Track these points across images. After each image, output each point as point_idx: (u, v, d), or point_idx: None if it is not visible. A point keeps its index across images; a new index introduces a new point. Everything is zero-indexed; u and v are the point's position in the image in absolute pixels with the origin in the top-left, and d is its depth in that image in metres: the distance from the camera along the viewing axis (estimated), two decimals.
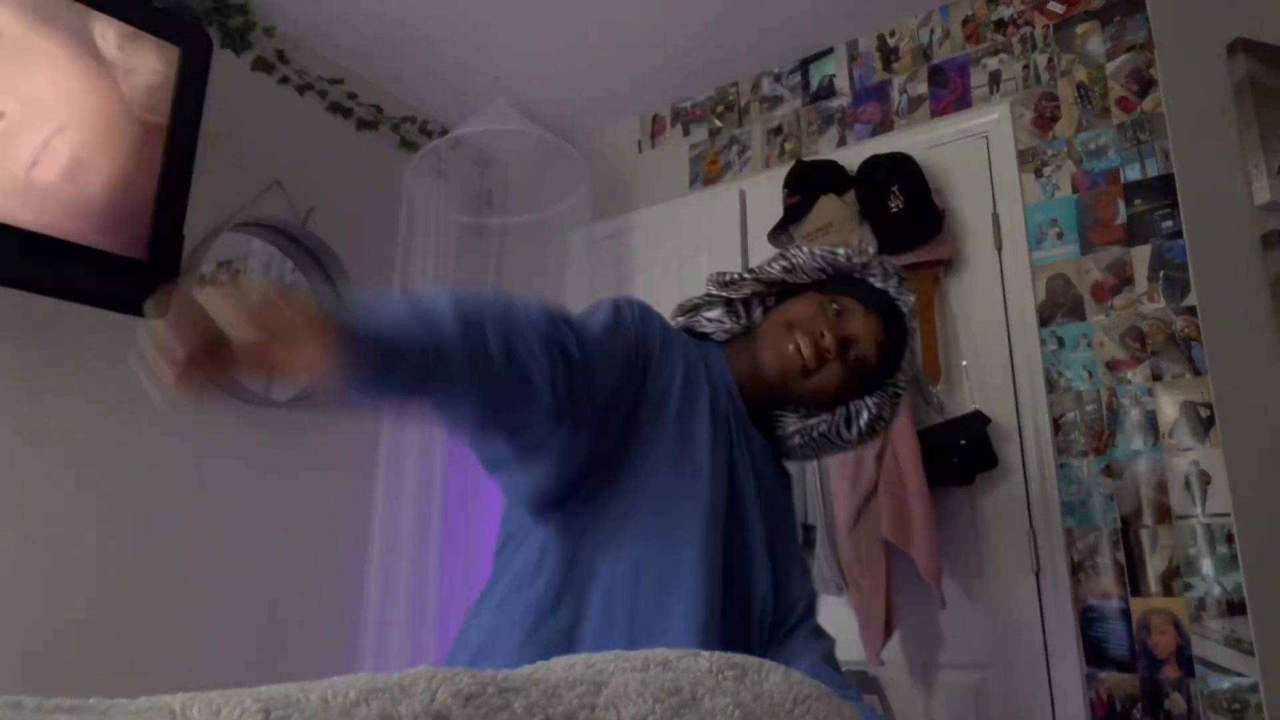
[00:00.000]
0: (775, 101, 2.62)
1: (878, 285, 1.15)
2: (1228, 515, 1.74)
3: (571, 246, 2.74)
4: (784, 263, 1.17)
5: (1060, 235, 2.05)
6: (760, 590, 1.07)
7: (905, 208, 2.08)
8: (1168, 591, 1.77)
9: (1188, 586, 1.76)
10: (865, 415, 1.15)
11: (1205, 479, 1.78)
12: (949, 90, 2.32)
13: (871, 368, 1.12)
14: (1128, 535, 1.84)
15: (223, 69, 2.17)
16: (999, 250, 2.13)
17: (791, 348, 1.08)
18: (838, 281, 1.15)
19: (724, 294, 1.19)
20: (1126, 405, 1.89)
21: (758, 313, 1.19)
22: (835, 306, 1.10)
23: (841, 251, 1.16)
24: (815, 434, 1.17)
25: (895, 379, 1.17)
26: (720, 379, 1.12)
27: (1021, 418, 2.01)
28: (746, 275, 1.18)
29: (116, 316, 1.88)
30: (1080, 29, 2.14)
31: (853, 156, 2.26)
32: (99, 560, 1.86)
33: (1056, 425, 1.96)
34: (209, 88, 1.97)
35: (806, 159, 2.38)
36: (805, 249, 1.17)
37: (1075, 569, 1.88)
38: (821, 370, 1.09)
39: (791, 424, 1.19)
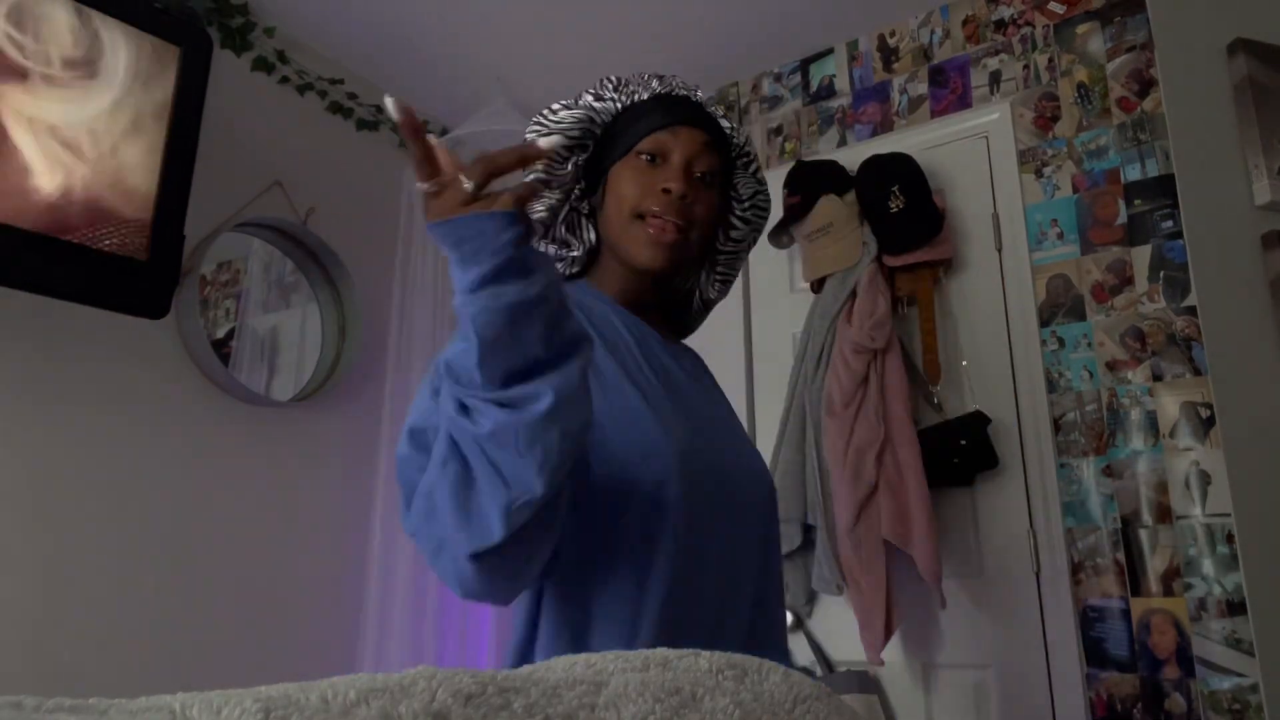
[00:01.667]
0: (775, 101, 2.62)
1: (653, 94, 1.05)
2: (1228, 515, 1.74)
3: None
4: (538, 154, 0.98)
5: (1060, 235, 2.05)
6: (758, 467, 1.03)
7: (905, 208, 2.08)
8: (1168, 591, 1.77)
9: (1188, 586, 1.76)
10: (741, 205, 1.10)
11: (1205, 479, 1.78)
12: (949, 90, 2.32)
13: (718, 173, 1.04)
14: (1128, 535, 1.84)
15: (223, 69, 2.17)
16: (999, 250, 2.13)
17: (651, 222, 0.98)
18: (621, 127, 1.04)
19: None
20: (1126, 405, 1.89)
21: (587, 231, 1.08)
22: (645, 155, 1.01)
23: (592, 93, 1.06)
24: (719, 267, 1.13)
25: (745, 161, 1.10)
26: (595, 312, 1.01)
27: (1021, 418, 2.01)
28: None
29: (116, 316, 1.88)
30: (1080, 29, 2.14)
31: (853, 156, 2.26)
32: (99, 560, 1.86)
33: (1056, 425, 1.96)
34: (209, 88, 1.97)
35: (806, 159, 2.38)
36: (547, 112, 1.05)
37: (1075, 569, 1.88)
38: (692, 216, 1.00)
39: (693, 284, 1.15)
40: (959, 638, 1.98)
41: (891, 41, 2.45)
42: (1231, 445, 1.76)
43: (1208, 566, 1.74)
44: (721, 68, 2.66)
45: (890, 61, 2.44)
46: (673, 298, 1.15)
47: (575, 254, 1.08)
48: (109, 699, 0.39)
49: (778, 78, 2.64)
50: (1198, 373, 1.83)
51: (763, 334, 2.42)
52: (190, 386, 2.07)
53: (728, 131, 1.08)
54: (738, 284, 2.46)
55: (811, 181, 2.23)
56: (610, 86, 1.06)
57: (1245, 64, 1.88)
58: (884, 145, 2.27)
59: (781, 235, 2.33)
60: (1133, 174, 2.00)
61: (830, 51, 2.56)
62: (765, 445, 2.21)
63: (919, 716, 1.98)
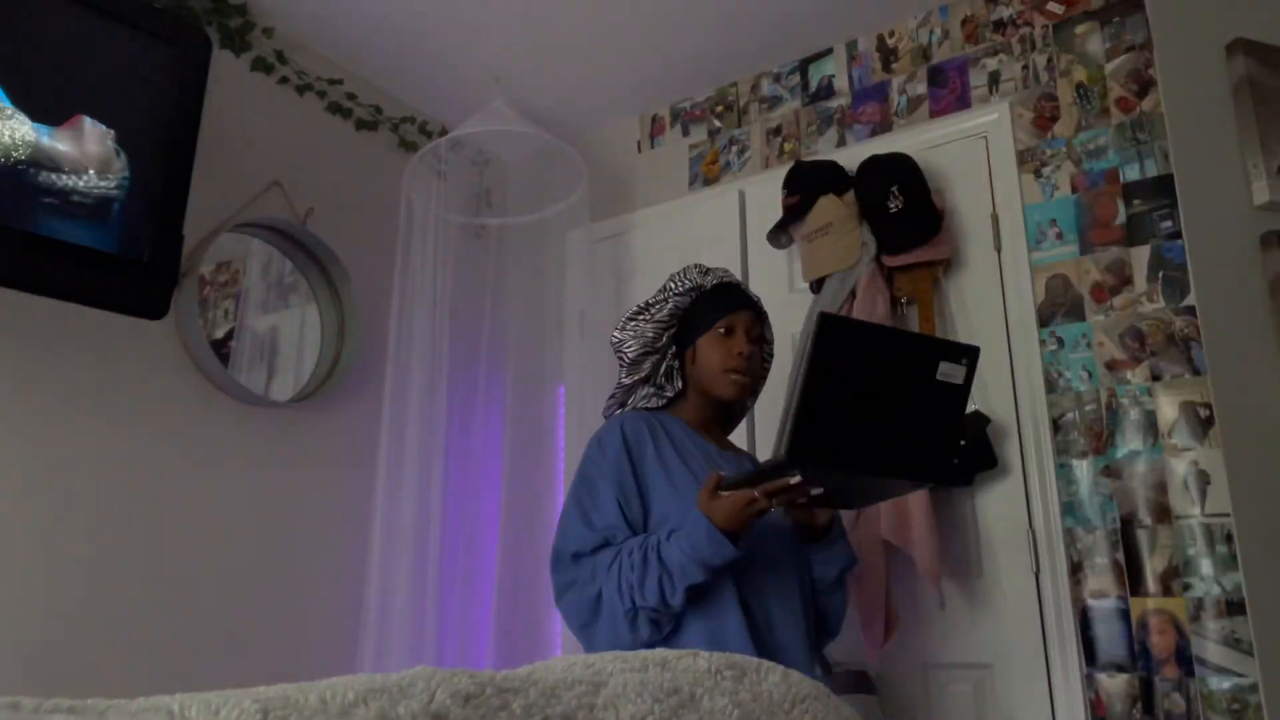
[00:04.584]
0: (775, 102, 2.62)
1: (713, 284, 1.57)
2: (1227, 515, 1.74)
3: (571, 247, 2.74)
4: (635, 344, 1.56)
5: (1060, 235, 2.05)
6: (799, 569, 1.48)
7: (904, 208, 2.08)
8: (1167, 591, 1.78)
9: (1187, 586, 1.76)
10: (766, 346, 1.65)
11: (1205, 479, 1.78)
12: (948, 90, 2.32)
13: (762, 336, 1.60)
14: (1127, 535, 1.84)
15: (223, 69, 2.17)
16: (998, 250, 2.13)
17: (734, 375, 1.51)
18: (698, 310, 1.55)
19: (634, 380, 1.58)
20: (1126, 405, 1.90)
21: (676, 380, 1.58)
22: (721, 329, 1.53)
23: (677, 294, 1.55)
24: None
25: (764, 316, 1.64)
26: (674, 431, 1.53)
27: (1021, 418, 2.01)
28: (631, 378, 1.57)
29: (116, 317, 1.88)
30: (1079, 29, 2.14)
31: (852, 157, 2.26)
32: (98, 560, 1.86)
33: (1056, 425, 1.96)
34: (209, 88, 1.97)
35: (806, 159, 2.38)
36: (630, 329, 1.56)
37: (1075, 569, 1.88)
38: (755, 367, 1.57)
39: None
40: (959, 638, 1.98)
41: (890, 42, 2.45)
42: (1231, 445, 1.76)
43: (1207, 566, 1.74)
44: (721, 68, 2.66)
45: (889, 62, 2.44)
46: (730, 414, 1.64)
47: (668, 394, 1.58)
48: (108, 699, 0.39)
49: (777, 78, 2.64)
50: (1197, 373, 1.83)
51: None
52: (190, 387, 2.07)
53: (757, 303, 1.61)
54: None
55: (810, 181, 2.23)
56: (686, 285, 1.56)
57: (1245, 64, 1.88)
58: (883, 145, 2.27)
59: (780, 235, 2.33)
60: (1132, 174, 2.00)
61: (829, 51, 2.56)
62: (765, 446, 2.21)
63: (919, 716, 1.98)
